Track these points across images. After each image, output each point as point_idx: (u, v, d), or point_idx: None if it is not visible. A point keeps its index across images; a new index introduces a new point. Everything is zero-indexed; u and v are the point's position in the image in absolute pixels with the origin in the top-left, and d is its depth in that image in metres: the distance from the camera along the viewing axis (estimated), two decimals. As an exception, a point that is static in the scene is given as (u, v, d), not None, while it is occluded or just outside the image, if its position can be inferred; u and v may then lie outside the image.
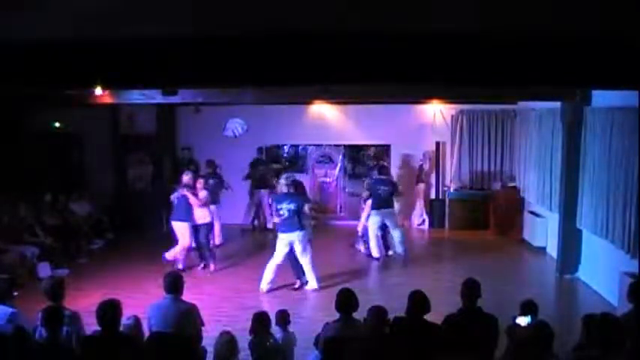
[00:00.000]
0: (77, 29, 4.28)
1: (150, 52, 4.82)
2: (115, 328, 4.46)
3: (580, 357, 4.23)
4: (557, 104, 9.20)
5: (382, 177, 10.35)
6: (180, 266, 9.26)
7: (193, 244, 9.72)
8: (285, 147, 13.76)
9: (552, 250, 10.16)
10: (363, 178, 12.46)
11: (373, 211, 10.10)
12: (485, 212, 12.36)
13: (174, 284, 5.15)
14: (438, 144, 12.64)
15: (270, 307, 6.41)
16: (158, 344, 4.64)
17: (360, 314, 4.92)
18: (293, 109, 12.37)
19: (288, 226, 8.31)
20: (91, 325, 4.77)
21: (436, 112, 12.75)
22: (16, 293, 5.57)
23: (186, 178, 9.55)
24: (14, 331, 4.58)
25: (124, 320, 4.80)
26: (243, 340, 4.92)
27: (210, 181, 10.70)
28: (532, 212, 11.23)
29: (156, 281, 6.06)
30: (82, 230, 10.67)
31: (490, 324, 4.83)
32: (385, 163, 11.66)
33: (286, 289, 8.52)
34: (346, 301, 4.97)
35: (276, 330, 5.24)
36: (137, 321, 5.08)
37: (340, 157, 13.72)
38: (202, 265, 9.64)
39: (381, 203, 10.05)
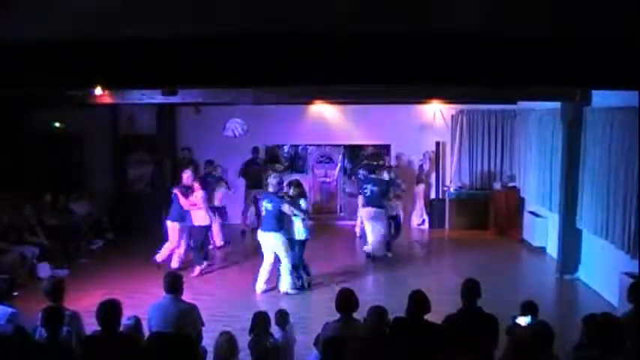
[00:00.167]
0: (77, 29, 4.28)
1: (150, 52, 4.82)
2: (115, 328, 4.46)
3: (580, 357, 4.23)
4: (557, 104, 9.21)
5: (371, 176, 10.44)
6: (176, 265, 9.27)
7: (191, 244, 9.71)
8: (285, 147, 13.76)
9: (552, 250, 10.16)
10: (352, 178, 12.56)
11: (360, 209, 10.46)
12: (486, 212, 12.36)
13: (174, 284, 5.16)
14: (438, 144, 12.66)
15: (270, 307, 6.40)
16: (158, 344, 4.64)
17: (360, 314, 4.92)
18: (293, 109, 12.37)
19: (264, 225, 8.43)
20: (91, 325, 4.77)
21: (436, 112, 12.75)
22: (16, 293, 5.59)
23: (185, 176, 9.56)
24: (14, 331, 4.59)
25: (125, 320, 4.80)
26: (243, 340, 4.92)
27: (210, 180, 10.71)
28: (532, 212, 11.23)
29: (156, 281, 6.05)
30: (81, 230, 10.67)
31: (490, 324, 4.83)
32: (376, 162, 11.71)
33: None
34: (346, 301, 4.96)
35: (275, 330, 5.24)
36: (137, 321, 5.08)
37: (340, 157, 13.72)
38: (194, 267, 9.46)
39: (367, 202, 10.18)
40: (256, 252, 10.35)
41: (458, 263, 10.09)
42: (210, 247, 10.57)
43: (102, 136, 12.73)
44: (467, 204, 12.53)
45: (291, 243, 8.50)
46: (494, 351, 4.84)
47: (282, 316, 5.38)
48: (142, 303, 6.30)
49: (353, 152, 13.64)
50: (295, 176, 11.54)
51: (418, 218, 12.84)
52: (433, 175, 12.81)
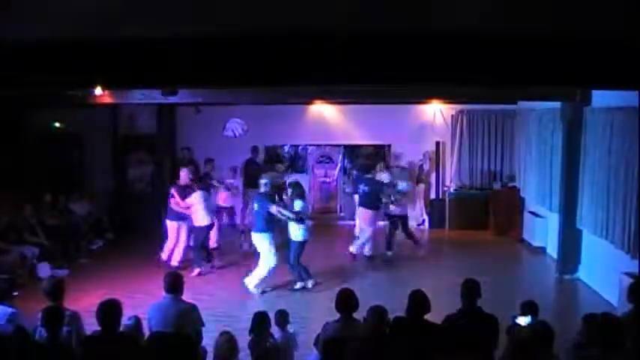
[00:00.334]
0: (77, 29, 4.29)
1: (150, 52, 4.82)
2: (115, 328, 4.46)
3: (580, 357, 4.23)
4: (557, 104, 9.21)
5: (366, 176, 10.47)
6: (176, 264, 9.28)
7: (191, 244, 9.70)
8: (285, 147, 13.75)
9: (552, 250, 10.16)
10: (350, 177, 12.58)
11: (356, 208, 10.58)
12: (485, 212, 12.36)
13: (174, 284, 5.15)
14: (438, 144, 12.66)
15: (270, 307, 6.40)
16: (158, 344, 4.63)
17: (360, 314, 4.92)
18: (293, 109, 12.38)
19: (254, 225, 8.52)
20: (91, 325, 4.77)
21: (436, 112, 12.76)
22: (16, 293, 5.59)
23: (182, 175, 9.55)
24: (14, 331, 4.59)
25: (125, 320, 4.81)
26: (243, 340, 4.92)
27: (210, 181, 10.69)
28: (532, 212, 11.23)
29: (156, 281, 6.05)
30: (81, 230, 10.67)
31: (490, 324, 4.83)
32: (372, 162, 11.75)
33: (285, 290, 8.54)
34: (346, 301, 4.96)
35: (275, 330, 5.24)
36: (138, 321, 5.08)
37: (340, 157, 13.72)
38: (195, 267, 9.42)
39: (359, 202, 10.35)
40: (256, 251, 10.37)
41: (458, 263, 10.08)
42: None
43: (102, 136, 12.73)
44: (467, 204, 12.52)
45: (288, 243, 8.52)
46: (494, 351, 4.84)
47: (282, 316, 5.38)
48: (142, 303, 6.31)
49: (353, 152, 13.64)
50: (295, 176, 11.54)
51: (418, 218, 12.83)
52: (433, 175, 12.81)
